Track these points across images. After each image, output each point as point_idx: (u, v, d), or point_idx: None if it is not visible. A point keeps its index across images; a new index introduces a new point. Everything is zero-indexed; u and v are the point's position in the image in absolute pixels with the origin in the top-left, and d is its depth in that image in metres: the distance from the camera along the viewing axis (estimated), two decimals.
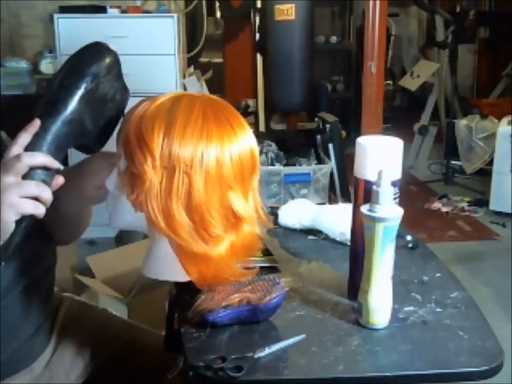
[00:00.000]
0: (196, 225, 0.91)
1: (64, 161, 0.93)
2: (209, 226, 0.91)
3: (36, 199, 0.84)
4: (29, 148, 0.87)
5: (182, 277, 0.96)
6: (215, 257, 0.93)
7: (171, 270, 0.96)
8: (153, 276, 1.01)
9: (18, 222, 0.84)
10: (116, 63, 0.97)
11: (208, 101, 0.95)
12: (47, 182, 0.86)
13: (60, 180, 0.89)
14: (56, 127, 0.89)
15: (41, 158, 0.86)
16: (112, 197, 0.98)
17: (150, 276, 1.01)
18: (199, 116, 0.91)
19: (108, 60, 0.94)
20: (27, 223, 0.85)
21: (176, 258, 0.95)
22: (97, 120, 0.95)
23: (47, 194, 0.85)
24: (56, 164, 0.87)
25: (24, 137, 0.87)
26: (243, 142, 0.93)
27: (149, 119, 0.91)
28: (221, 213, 0.92)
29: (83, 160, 1.05)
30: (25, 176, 0.84)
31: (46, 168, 0.86)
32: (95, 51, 0.95)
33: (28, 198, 0.83)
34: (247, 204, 0.95)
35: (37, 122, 0.88)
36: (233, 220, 0.94)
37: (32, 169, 0.85)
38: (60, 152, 0.90)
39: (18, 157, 0.84)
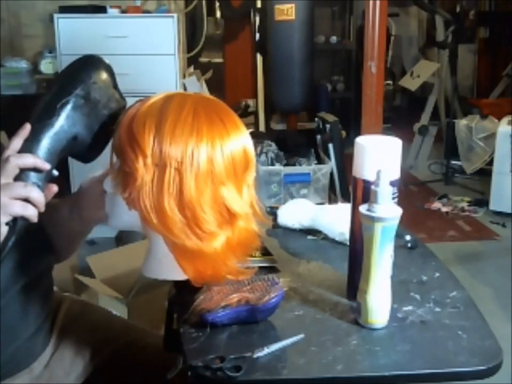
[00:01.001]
0: (188, 221, 0.91)
1: (64, 170, 0.94)
2: (202, 222, 0.91)
3: (27, 201, 0.84)
4: (21, 151, 0.88)
5: (181, 276, 0.97)
6: (210, 253, 0.93)
7: (170, 268, 0.96)
8: (153, 275, 1.01)
9: (12, 226, 0.84)
10: (108, 73, 0.99)
11: (200, 99, 0.95)
12: (39, 186, 0.87)
13: (54, 189, 0.91)
14: (46, 130, 0.90)
15: (30, 159, 0.87)
16: (109, 198, 0.98)
17: (149, 276, 1.01)
18: (189, 113, 0.91)
19: (99, 69, 0.97)
20: (20, 226, 0.85)
21: None
22: (90, 126, 0.95)
23: (36, 195, 0.85)
24: (46, 165, 0.88)
25: (16, 142, 0.88)
26: (235, 139, 0.93)
27: (140, 118, 0.91)
28: (214, 209, 0.92)
29: (80, 184, 1.07)
30: (16, 179, 0.85)
31: (38, 171, 0.87)
32: (87, 60, 0.98)
33: (18, 200, 0.84)
34: (242, 200, 0.95)
35: (27, 127, 0.90)
36: (228, 215, 0.93)
37: (23, 171, 0.86)
38: (52, 156, 0.90)
39: (7, 158, 0.85)
